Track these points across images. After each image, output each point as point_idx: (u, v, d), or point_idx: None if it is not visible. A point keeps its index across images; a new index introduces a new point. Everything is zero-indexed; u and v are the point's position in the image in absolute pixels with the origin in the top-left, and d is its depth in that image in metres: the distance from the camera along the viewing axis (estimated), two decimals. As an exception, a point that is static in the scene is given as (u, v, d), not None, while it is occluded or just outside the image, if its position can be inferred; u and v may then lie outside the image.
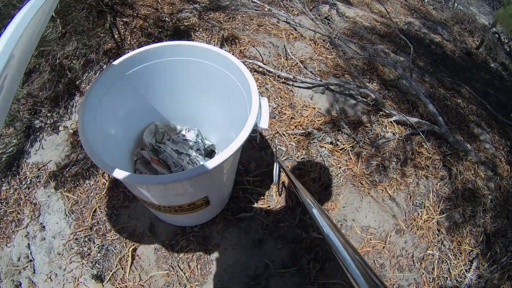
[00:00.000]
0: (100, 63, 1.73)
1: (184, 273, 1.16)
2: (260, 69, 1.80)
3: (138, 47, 1.20)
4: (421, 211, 1.47)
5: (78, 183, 1.38)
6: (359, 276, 0.48)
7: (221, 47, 1.87)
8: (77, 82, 1.69)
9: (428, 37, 2.91)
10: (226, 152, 0.76)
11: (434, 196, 1.55)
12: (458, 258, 1.42)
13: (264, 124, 0.89)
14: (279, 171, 1.22)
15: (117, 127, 1.12)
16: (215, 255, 1.19)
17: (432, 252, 1.39)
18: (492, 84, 2.53)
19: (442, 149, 1.72)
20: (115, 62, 0.96)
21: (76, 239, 1.26)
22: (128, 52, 1.02)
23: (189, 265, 1.18)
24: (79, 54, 1.72)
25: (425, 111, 1.88)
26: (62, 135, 1.54)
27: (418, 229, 1.42)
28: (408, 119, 1.68)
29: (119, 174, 0.73)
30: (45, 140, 1.53)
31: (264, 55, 1.90)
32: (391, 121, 1.70)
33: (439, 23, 3.23)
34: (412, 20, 3.19)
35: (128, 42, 1.81)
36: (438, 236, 1.44)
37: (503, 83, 2.62)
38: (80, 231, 1.28)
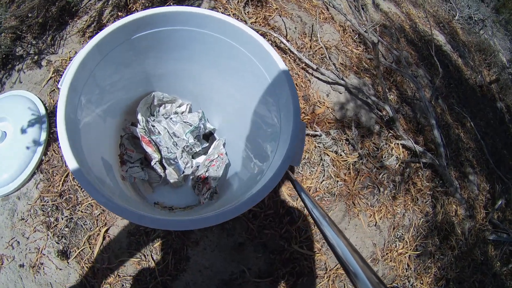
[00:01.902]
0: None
1: (157, 265, 1.05)
2: (282, 45, 1.59)
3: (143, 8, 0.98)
4: (399, 244, 1.44)
5: (54, 136, 1.17)
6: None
7: (244, 7, 1.61)
8: (73, 9, 1.39)
9: (449, 57, 2.78)
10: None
11: (414, 231, 1.52)
12: (417, 297, 1.43)
13: (297, 162, 0.74)
14: None
15: (108, 102, 0.98)
16: (193, 253, 1.08)
17: (397, 285, 1.38)
18: (493, 126, 2.52)
19: (434, 184, 1.68)
20: (119, 23, 0.81)
21: (43, 205, 1.11)
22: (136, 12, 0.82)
23: (163, 258, 1.06)
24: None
25: (430, 139, 1.81)
26: (44, 72, 1.31)
27: (391, 261, 1.40)
28: (415, 147, 1.59)
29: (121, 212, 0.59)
30: (24, 73, 1.28)
31: (290, 29, 1.68)
32: (398, 144, 1.60)
33: (463, 45, 3.11)
34: (437, 33, 3.03)
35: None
36: (407, 271, 1.43)
37: (503, 127, 2.61)
38: (47, 197, 1.12)
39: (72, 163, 0.64)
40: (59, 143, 0.71)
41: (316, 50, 1.66)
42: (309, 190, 1.28)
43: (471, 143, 2.18)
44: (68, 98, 0.71)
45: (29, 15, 1.35)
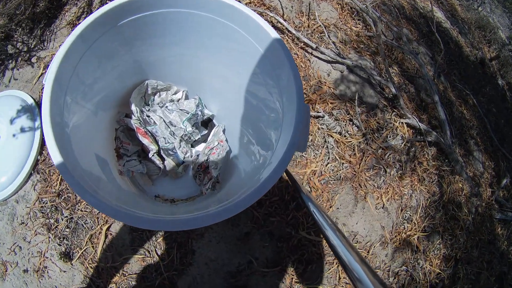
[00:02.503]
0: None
1: (162, 261, 1.00)
2: (279, 25, 1.52)
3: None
4: (407, 226, 1.40)
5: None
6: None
7: (239, -16, 1.53)
8: (61, 2, 1.33)
9: (449, 34, 2.72)
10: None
11: (422, 211, 1.49)
12: (427, 279, 1.40)
13: (302, 148, 0.68)
14: None
15: (98, 95, 0.92)
16: (198, 246, 1.03)
17: (406, 268, 1.36)
18: (495, 103, 2.47)
19: (440, 162, 1.64)
20: (103, 10, 0.75)
21: (42, 207, 1.07)
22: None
23: (168, 252, 1.02)
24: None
25: (434, 116, 1.76)
26: (34, 69, 1.28)
27: (400, 244, 1.37)
28: (420, 125, 1.55)
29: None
30: (17, 72, 1.26)
31: (286, 9, 1.60)
32: (402, 123, 1.56)
33: (463, 22, 3.03)
34: (436, 10, 2.95)
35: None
36: (416, 254, 1.40)
37: (504, 104, 2.57)
38: (46, 197, 1.08)
39: (58, 160, 0.59)
40: (44, 141, 0.66)
41: (314, 29, 1.59)
42: (314, 174, 1.24)
43: (474, 120, 2.14)
44: (52, 93, 0.65)
45: (17, 12, 1.30)
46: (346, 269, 0.53)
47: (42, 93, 0.64)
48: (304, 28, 1.58)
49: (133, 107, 1.04)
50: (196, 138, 1.14)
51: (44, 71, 1.27)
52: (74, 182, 0.59)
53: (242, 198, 0.61)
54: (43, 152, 1.17)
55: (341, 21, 1.76)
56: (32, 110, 1.20)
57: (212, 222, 0.58)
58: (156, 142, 1.06)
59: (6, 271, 1.04)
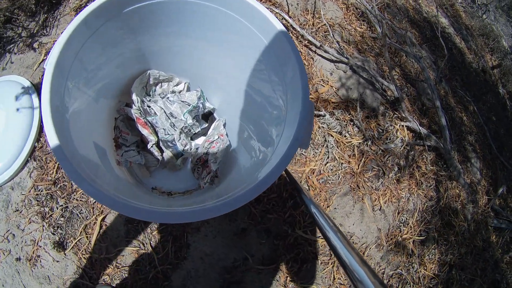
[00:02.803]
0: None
1: (157, 254, 0.99)
2: (284, 21, 1.51)
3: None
4: (403, 229, 1.40)
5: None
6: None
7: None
8: None
9: (452, 40, 2.72)
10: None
11: (419, 215, 1.48)
12: (421, 282, 1.40)
13: (305, 144, 0.67)
14: None
15: (99, 83, 0.90)
16: (193, 240, 1.03)
17: (401, 271, 1.36)
18: (495, 111, 2.47)
19: (438, 167, 1.64)
20: None
21: (37, 194, 1.06)
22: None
23: (162, 246, 1.01)
24: None
25: (434, 121, 1.76)
26: (36, 54, 1.26)
27: (395, 246, 1.37)
28: (420, 129, 1.54)
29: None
30: (16, 56, 1.25)
31: (291, 6, 1.59)
32: (403, 126, 1.55)
33: (466, 29, 3.03)
34: (440, 15, 2.95)
35: None
36: (411, 257, 1.40)
37: (505, 113, 2.57)
38: (41, 185, 1.06)
39: (55, 144, 0.57)
40: (42, 128, 0.64)
41: (319, 28, 1.58)
42: (313, 173, 1.23)
43: (474, 127, 2.14)
44: (53, 77, 0.64)
45: None
46: (347, 269, 0.53)
47: (43, 77, 0.62)
48: (308, 26, 1.57)
49: (134, 97, 1.03)
50: (196, 131, 1.13)
51: (45, 58, 1.25)
52: (72, 169, 0.57)
53: (242, 193, 0.60)
54: (41, 139, 1.15)
55: (346, 21, 1.76)
56: (31, 96, 1.19)
57: (210, 216, 0.57)
58: (156, 133, 1.05)
59: (-2, 258, 1.03)
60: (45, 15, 1.34)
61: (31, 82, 1.21)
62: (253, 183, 0.62)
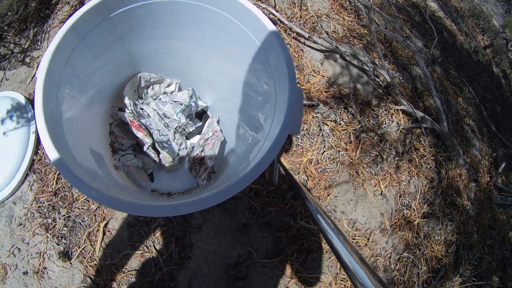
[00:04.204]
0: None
1: (161, 255, 1.00)
2: (271, 16, 1.51)
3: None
4: (406, 212, 1.40)
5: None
6: None
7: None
8: (53, 1, 1.33)
9: (442, 22, 2.72)
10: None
11: (421, 197, 1.48)
12: (429, 264, 1.40)
13: (296, 130, 0.68)
14: (279, 171, 1.05)
15: (91, 89, 0.90)
16: (196, 239, 1.03)
17: (407, 255, 1.35)
18: (490, 90, 2.47)
19: (437, 149, 1.64)
20: (96, 1, 0.75)
21: (39, 206, 1.06)
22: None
23: (166, 247, 1.01)
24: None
25: (430, 104, 1.76)
26: (28, 69, 1.28)
27: (400, 230, 1.36)
28: (415, 112, 1.54)
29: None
30: (9, 72, 1.25)
31: (278, 0, 1.60)
32: (398, 110, 1.55)
33: (456, 11, 3.03)
34: (429, 0, 2.95)
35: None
36: (416, 240, 1.40)
37: (500, 91, 2.57)
38: (43, 197, 1.07)
39: (54, 156, 0.58)
40: (38, 137, 0.65)
41: (307, 19, 1.58)
42: (311, 163, 1.23)
43: (470, 107, 2.13)
44: (45, 85, 0.65)
45: (8, 13, 1.29)
46: (347, 270, 0.53)
47: (35, 86, 0.63)
48: (296, 18, 1.58)
49: (127, 101, 1.04)
50: (191, 130, 1.13)
51: (37, 71, 1.27)
52: (72, 175, 0.58)
53: (237, 180, 0.60)
54: (39, 151, 1.16)
55: (333, 11, 1.76)
56: (26, 110, 1.20)
57: (207, 206, 0.58)
58: (151, 135, 1.05)
59: (6, 274, 1.03)
60: (35, 30, 1.35)
61: (25, 97, 1.22)
62: (246, 169, 0.63)
